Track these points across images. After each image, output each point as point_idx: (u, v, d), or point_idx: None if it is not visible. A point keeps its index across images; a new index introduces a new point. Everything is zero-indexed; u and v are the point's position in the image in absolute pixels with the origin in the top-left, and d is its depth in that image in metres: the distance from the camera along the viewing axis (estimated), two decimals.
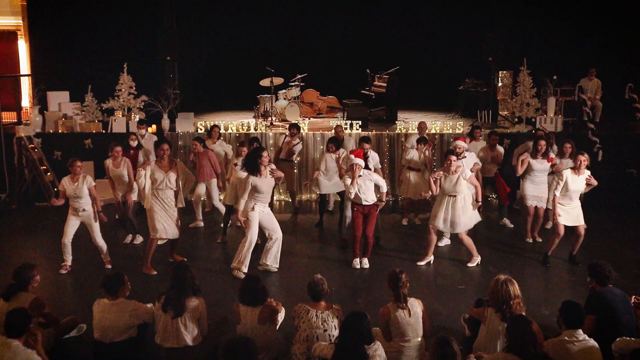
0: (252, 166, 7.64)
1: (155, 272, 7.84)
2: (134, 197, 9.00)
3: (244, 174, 7.93)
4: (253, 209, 7.70)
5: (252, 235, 7.74)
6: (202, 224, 10.11)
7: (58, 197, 8.02)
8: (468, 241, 8.22)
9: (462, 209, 7.97)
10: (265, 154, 7.72)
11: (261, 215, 7.80)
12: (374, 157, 9.33)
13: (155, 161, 7.84)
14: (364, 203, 8.01)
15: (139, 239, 9.14)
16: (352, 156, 8.02)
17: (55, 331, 5.88)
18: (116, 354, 5.51)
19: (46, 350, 5.42)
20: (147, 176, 7.67)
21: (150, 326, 5.72)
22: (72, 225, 7.85)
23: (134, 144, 10.01)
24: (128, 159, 9.09)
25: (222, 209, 9.67)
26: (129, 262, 8.27)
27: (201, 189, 9.93)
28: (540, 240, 9.19)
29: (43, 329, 5.69)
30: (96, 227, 7.92)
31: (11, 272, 5.87)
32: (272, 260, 7.93)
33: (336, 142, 9.84)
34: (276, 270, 7.92)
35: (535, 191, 8.94)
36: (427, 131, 10.98)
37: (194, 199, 10.04)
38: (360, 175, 7.88)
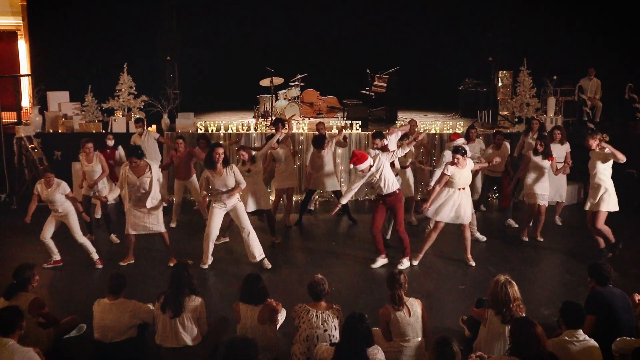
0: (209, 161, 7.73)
1: (125, 263, 8.05)
2: (111, 197, 9.30)
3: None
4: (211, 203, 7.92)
5: (208, 229, 7.90)
6: (174, 225, 9.89)
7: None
8: (468, 237, 8.17)
9: (467, 200, 7.97)
10: (220, 150, 7.73)
11: (230, 211, 7.92)
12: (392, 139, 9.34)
13: (130, 166, 7.78)
14: (385, 192, 7.70)
15: (115, 239, 9.19)
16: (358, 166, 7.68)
17: (55, 331, 5.87)
18: (116, 354, 5.52)
19: (46, 350, 5.43)
20: (123, 177, 7.78)
21: (150, 326, 5.73)
22: (49, 223, 8.02)
23: (111, 143, 9.99)
24: (102, 155, 9.10)
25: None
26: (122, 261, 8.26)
27: (181, 188, 9.96)
28: (542, 239, 9.18)
29: (43, 328, 5.70)
30: (74, 225, 8.00)
31: (11, 272, 5.86)
32: (258, 254, 7.99)
33: (318, 139, 9.87)
34: (268, 264, 8.01)
35: (539, 190, 8.93)
36: (416, 128, 10.60)
37: (174, 199, 10.04)
38: (371, 166, 7.60)
